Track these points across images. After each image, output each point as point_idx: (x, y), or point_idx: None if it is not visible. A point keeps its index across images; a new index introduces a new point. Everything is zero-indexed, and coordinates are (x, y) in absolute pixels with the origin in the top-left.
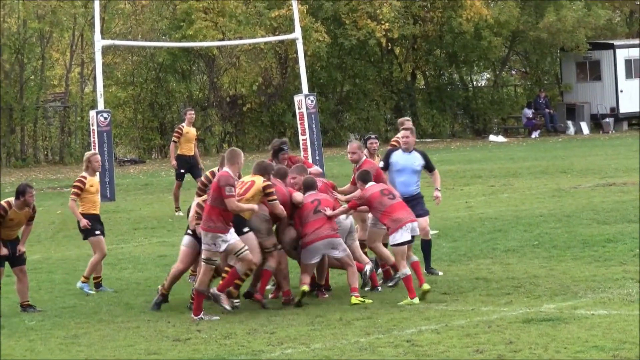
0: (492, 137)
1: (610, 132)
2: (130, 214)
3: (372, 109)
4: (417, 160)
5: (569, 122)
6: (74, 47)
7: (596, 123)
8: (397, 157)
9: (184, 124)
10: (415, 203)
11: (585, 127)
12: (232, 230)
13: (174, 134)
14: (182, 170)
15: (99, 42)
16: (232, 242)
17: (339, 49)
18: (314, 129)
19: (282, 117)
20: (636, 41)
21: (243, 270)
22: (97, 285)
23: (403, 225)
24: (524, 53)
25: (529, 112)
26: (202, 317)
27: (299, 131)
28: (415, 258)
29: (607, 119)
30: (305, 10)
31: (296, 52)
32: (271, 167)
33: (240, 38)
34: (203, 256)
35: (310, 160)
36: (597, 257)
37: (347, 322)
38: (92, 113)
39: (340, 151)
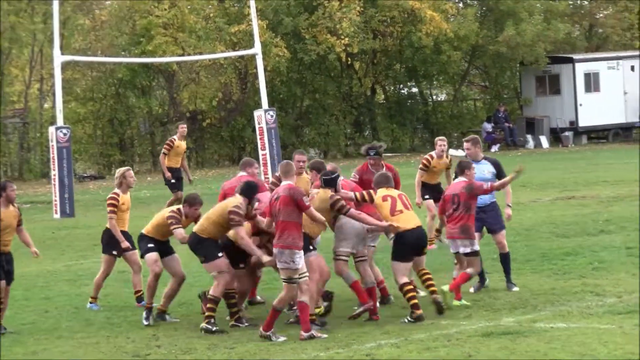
0: (452, 152)
1: (569, 145)
2: (89, 230)
3: (332, 123)
4: (486, 169)
5: (529, 136)
6: (33, 63)
7: (555, 137)
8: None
9: (175, 137)
10: (490, 215)
11: (544, 141)
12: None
13: (165, 146)
14: (173, 181)
15: (59, 58)
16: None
17: (299, 64)
18: (274, 144)
19: (242, 132)
20: (596, 55)
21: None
22: (139, 300)
23: None
24: (483, 67)
25: (488, 126)
26: (272, 336)
27: (259, 146)
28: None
29: (566, 133)
30: (265, 25)
31: (256, 67)
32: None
33: (200, 53)
34: (283, 276)
35: (268, 175)
36: (556, 271)
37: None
38: (52, 129)
39: None
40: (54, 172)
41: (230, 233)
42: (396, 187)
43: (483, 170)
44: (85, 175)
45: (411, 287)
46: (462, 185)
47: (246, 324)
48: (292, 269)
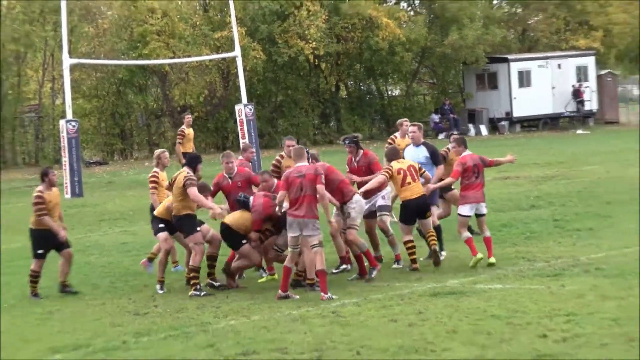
0: None
1: (505, 133)
2: (96, 208)
3: (302, 115)
4: (422, 152)
5: (470, 125)
6: (45, 65)
7: (493, 126)
8: (407, 151)
9: (184, 127)
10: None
11: (484, 129)
12: None
13: (178, 136)
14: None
15: (67, 61)
16: None
17: (273, 65)
18: (252, 134)
19: (225, 124)
20: (527, 55)
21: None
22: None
23: None
24: (431, 67)
25: (436, 117)
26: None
27: (240, 135)
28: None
29: (502, 122)
30: (244, 32)
31: (236, 68)
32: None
33: (188, 56)
34: (316, 242)
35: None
36: (494, 240)
37: (282, 301)
38: (62, 122)
39: (275, 152)
40: (65, 159)
41: (227, 219)
42: (375, 169)
43: (419, 153)
44: (92, 161)
45: (412, 244)
46: (478, 157)
47: (218, 284)
48: (318, 235)
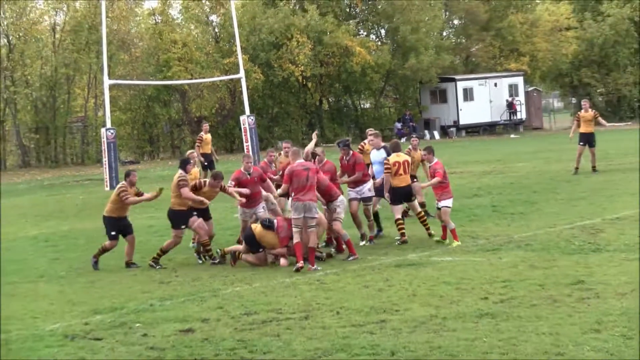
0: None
1: (453, 137)
2: None
3: (293, 124)
4: (382, 154)
5: (426, 131)
6: (90, 85)
7: (444, 131)
8: (372, 153)
9: (202, 133)
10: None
11: (437, 134)
12: None
13: (197, 141)
14: (205, 164)
15: (107, 82)
16: None
17: (270, 84)
18: (254, 139)
19: (232, 131)
20: (470, 76)
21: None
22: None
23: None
24: (394, 85)
25: (398, 125)
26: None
27: (244, 140)
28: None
29: (451, 129)
30: (246, 58)
31: (241, 87)
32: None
33: (203, 77)
34: (313, 223)
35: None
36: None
37: (277, 269)
38: (103, 130)
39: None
40: (105, 159)
41: (256, 231)
42: (358, 169)
43: (380, 155)
44: (126, 160)
45: (402, 222)
46: (442, 165)
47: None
48: (316, 217)
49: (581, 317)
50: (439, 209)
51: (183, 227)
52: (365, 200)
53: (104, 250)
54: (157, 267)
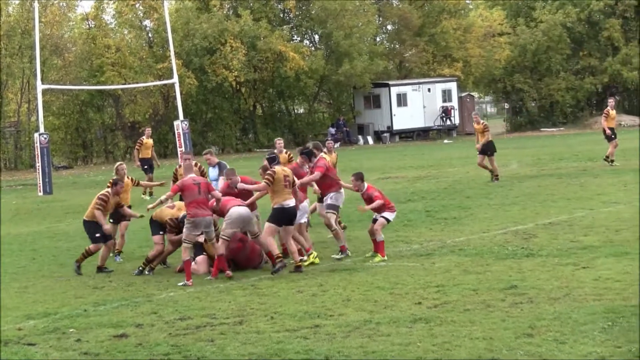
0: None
1: (387, 143)
2: (63, 203)
3: (227, 129)
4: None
5: (360, 137)
6: (23, 90)
7: (378, 137)
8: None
9: (143, 137)
10: None
11: (370, 140)
12: None
13: (137, 144)
14: (145, 167)
15: (40, 87)
16: None
17: (204, 89)
18: (187, 143)
19: (166, 136)
20: (404, 81)
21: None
22: None
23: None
24: (328, 90)
25: (332, 130)
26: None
27: (177, 145)
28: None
29: (385, 134)
30: (180, 63)
31: (175, 92)
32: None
33: (136, 82)
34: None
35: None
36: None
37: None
38: (36, 135)
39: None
40: (38, 164)
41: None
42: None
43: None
44: (60, 165)
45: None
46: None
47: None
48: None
49: (514, 322)
50: (375, 219)
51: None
52: (329, 207)
53: (88, 253)
54: (149, 272)
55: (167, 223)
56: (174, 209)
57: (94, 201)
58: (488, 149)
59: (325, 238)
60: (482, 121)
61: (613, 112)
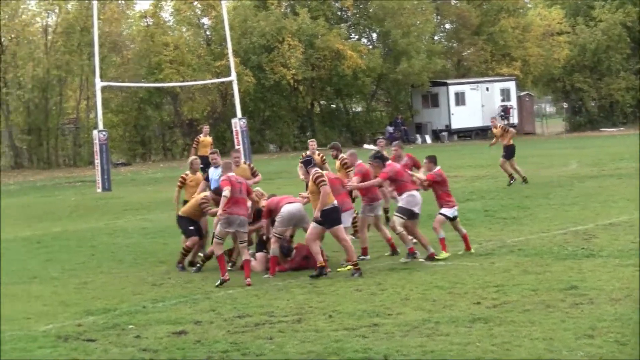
0: (365, 146)
1: (445, 142)
2: (121, 200)
3: (285, 127)
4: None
5: (417, 136)
6: (82, 87)
7: (436, 136)
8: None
9: (201, 135)
10: None
11: (428, 139)
12: None
13: (193, 142)
14: (202, 166)
15: (99, 84)
16: None
17: (262, 87)
18: (245, 141)
19: (224, 134)
20: (462, 80)
21: None
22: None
23: None
24: (386, 89)
25: (390, 129)
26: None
27: (235, 143)
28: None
29: (443, 133)
30: (238, 61)
31: (233, 90)
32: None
33: (195, 80)
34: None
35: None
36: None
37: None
38: (95, 132)
39: (263, 156)
40: (97, 161)
41: None
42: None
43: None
44: (118, 162)
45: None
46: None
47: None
48: None
49: (575, 323)
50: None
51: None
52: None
53: (187, 250)
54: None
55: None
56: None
57: (198, 199)
58: (510, 153)
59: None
60: (499, 125)
61: None
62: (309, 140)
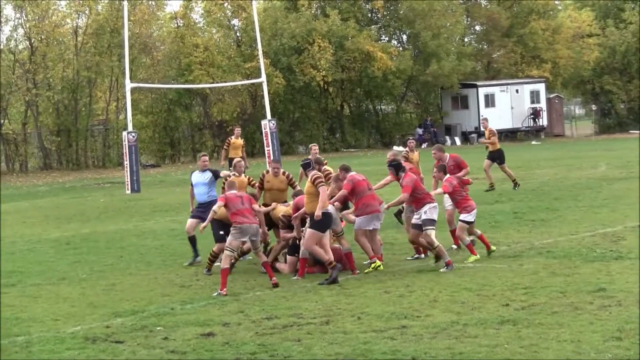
0: (395, 148)
1: (474, 143)
2: (150, 201)
3: (314, 129)
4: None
5: (447, 137)
6: (111, 88)
7: (465, 137)
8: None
9: (232, 137)
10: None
11: (457, 140)
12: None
13: (224, 144)
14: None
15: (128, 85)
16: None
17: (291, 89)
18: (275, 143)
19: (253, 135)
20: (492, 82)
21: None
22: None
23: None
24: (416, 91)
25: (420, 131)
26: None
27: (265, 144)
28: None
29: (472, 135)
30: (268, 62)
31: (262, 91)
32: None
33: (224, 81)
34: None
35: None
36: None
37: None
38: (124, 133)
39: (293, 158)
40: (126, 162)
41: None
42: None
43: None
44: (147, 164)
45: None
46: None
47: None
48: None
49: (603, 325)
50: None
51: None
52: (427, 222)
53: (215, 256)
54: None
55: (280, 220)
56: (288, 207)
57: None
58: (497, 158)
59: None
60: (489, 127)
61: None
62: (311, 145)
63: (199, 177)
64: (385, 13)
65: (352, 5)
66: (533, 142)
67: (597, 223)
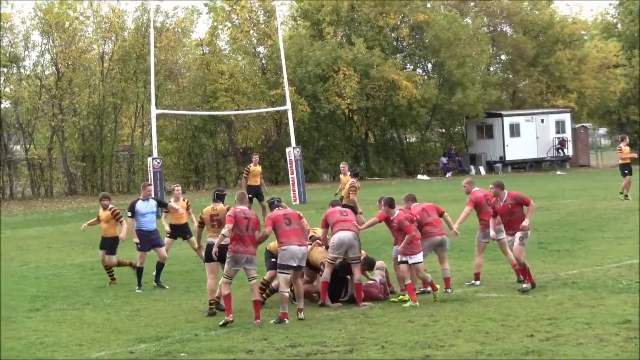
0: (419, 176)
1: (499, 173)
2: None
3: (339, 157)
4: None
5: (472, 166)
6: (137, 114)
7: (490, 167)
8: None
9: (251, 165)
10: None
11: (482, 170)
12: None
13: (244, 172)
14: (249, 196)
15: (154, 111)
16: None
17: (316, 116)
18: (299, 170)
19: (278, 163)
20: (517, 112)
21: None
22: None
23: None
24: (441, 119)
25: (444, 160)
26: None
27: (289, 172)
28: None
29: (497, 164)
30: (293, 90)
31: (287, 118)
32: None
33: (249, 108)
34: None
35: (295, 192)
36: (491, 258)
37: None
38: (149, 159)
39: (317, 186)
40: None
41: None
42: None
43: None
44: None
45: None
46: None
47: None
48: None
49: (629, 357)
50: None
51: None
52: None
53: (267, 284)
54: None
55: (322, 264)
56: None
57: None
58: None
59: None
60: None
61: None
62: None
63: (146, 207)
64: (410, 41)
65: (378, 33)
66: (558, 172)
67: (623, 254)
